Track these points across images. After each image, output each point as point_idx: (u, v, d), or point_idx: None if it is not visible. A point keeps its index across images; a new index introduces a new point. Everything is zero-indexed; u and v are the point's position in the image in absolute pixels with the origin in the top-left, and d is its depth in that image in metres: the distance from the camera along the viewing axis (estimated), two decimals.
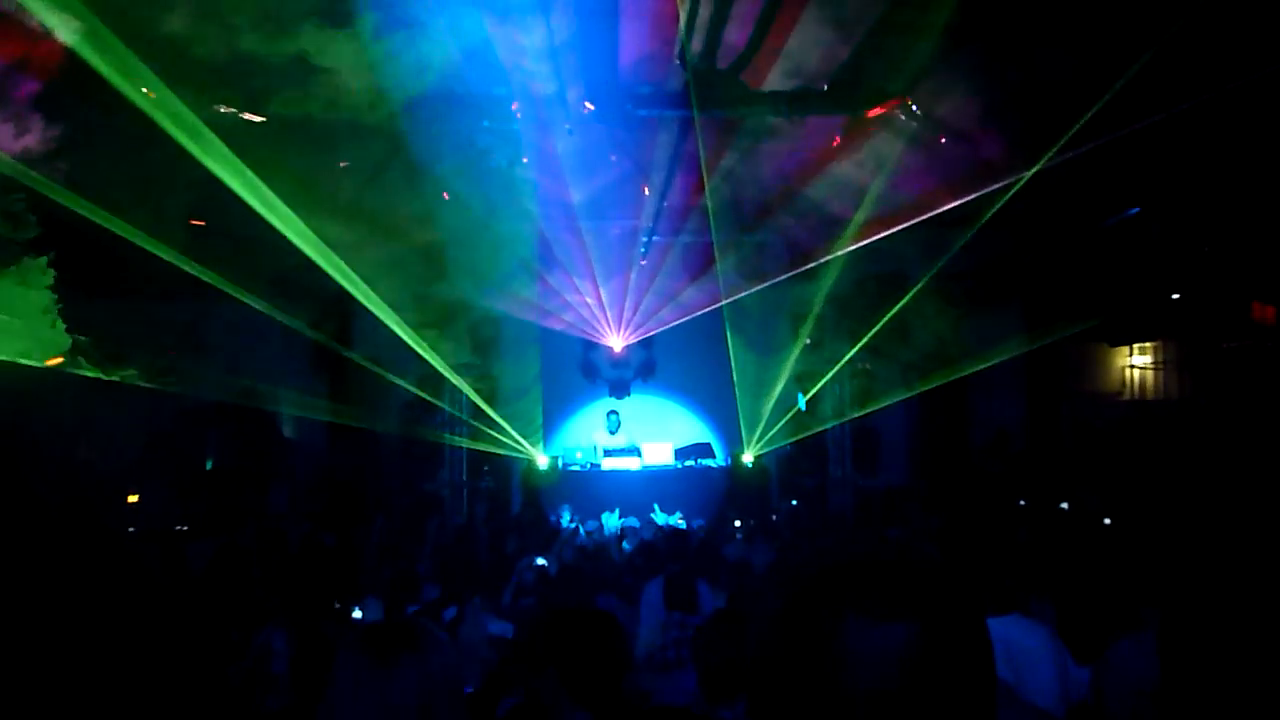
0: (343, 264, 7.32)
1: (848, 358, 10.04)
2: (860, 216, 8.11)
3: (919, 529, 7.02)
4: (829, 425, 10.61)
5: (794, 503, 9.96)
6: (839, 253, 8.82)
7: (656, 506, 8.71)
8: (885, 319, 9.43)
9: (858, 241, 8.38)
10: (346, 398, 9.43)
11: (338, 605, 4.24)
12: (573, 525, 7.54)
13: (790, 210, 8.76)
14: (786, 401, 10.29)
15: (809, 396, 10.29)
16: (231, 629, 3.57)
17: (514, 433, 10.28)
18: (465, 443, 10.44)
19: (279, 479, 9.83)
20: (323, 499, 9.15)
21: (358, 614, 4.30)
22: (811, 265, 9.33)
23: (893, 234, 7.93)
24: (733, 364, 10.22)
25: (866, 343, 9.78)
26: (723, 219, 9.03)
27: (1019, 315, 9.94)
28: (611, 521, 7.89)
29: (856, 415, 10.46)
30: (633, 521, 8.08)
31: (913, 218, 7.70)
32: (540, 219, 8.95)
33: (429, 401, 9.92)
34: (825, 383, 10.33)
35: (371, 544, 6.21)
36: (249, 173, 5.95)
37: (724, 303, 9.95)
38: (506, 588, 4.83)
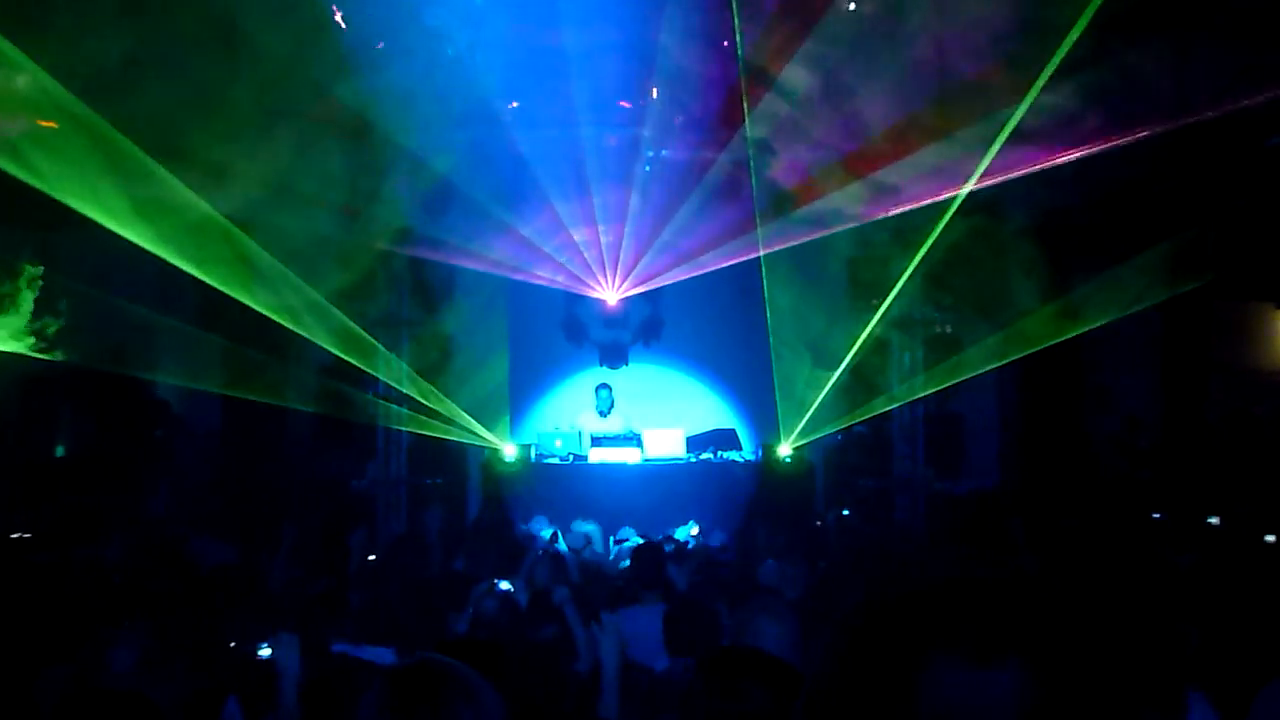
0: (231, 178, 7.22)
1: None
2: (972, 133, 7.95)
3: (1019, 552, 7.03)
4: (895, 407, 10.63)
5: (845, 512, 9.93)
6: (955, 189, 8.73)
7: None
8: (972, 265, 9.45)
9: (969, 171, 8.34)
10: (246, 364, 9.32)
11: (233, 644, 4.29)
12: (549, 540, 7.60)
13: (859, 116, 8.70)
14: (836, 374, 10.37)
15: (853, 363, 10.36)
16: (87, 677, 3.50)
17: (470, 414, 10.39)
18: (407, 426, 10.55)
19: (157, 472, 9.82)
20: (217, 500, 9.24)
21: (265, 652, 4.30)
22: (890, 197, 9.30)
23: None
24: (769, 322, 10.28)
25: (948, 295, 9.91)
26: (765, 124, 8.85)
27: (1155, 264, 9.80)
28: (596, 536, 7.86)
29: (932, 393, 10.48)
30: (628, 538, 8.18)
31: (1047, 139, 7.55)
32: (508, 125, 8.98)
33: (354, 370, 9.94)
34: (887, 350, 10.46)
35: (279, 562, 6.21)
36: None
37: (760, 243, 9.99)
38: (458, 621, 4.92)
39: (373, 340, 10.01)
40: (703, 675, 2.35)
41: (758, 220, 9.89)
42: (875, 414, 10.54)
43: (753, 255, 10.07)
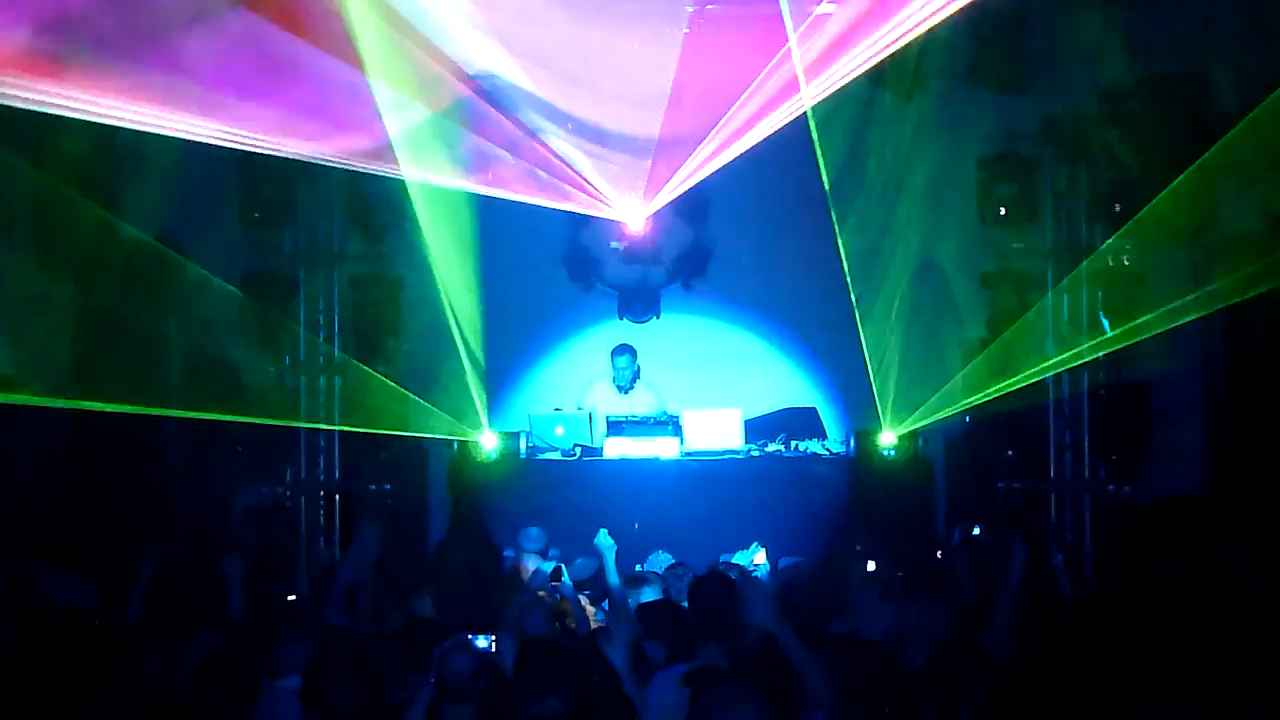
0: None
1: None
2: None
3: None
4: (1050, 376, 10.70)
5: (975, 530, 9.82)
6: None
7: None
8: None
9: None
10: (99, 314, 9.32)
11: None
12: (549, 570, 7.60)
13: None
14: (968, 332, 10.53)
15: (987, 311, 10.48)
16: None
17: (420, 394, 10.48)
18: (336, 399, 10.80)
19: None
20: (64, 515, 9.30)
21: None
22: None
23: None
24: (841, 250, 10.30)
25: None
26: None
27: None
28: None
29: (1106, 355, 10.50)
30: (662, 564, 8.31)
31: None
32: None
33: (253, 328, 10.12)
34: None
35: (133, 602, 6.24)
36: None
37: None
38: (418, 692, 5.03)
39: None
40: None
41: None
42: (1021, 385, 10.48)
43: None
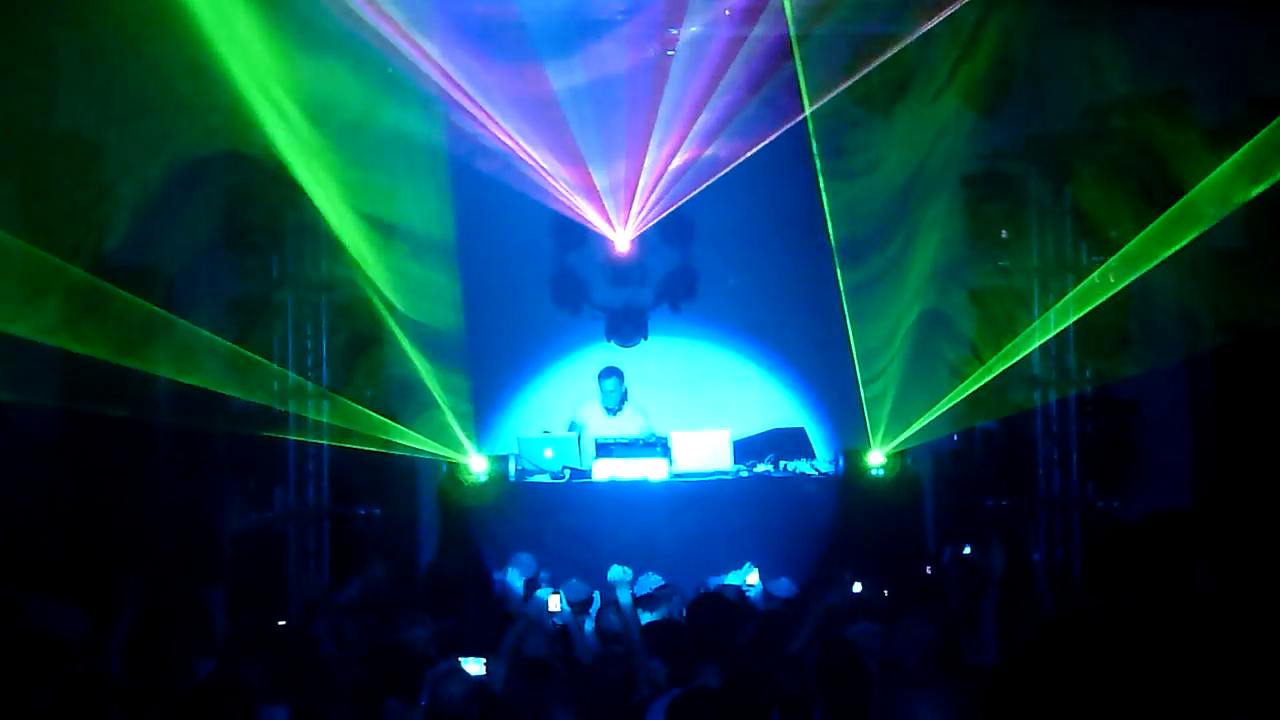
0: None
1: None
2: None
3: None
4: (1037, 393, 10.77)
5: (966, 549, 9.84)
6: None
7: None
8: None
9: None
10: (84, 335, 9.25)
11: None
12: (542, 598, 7.63)
13: None
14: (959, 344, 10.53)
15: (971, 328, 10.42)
16: None
17: (408, 418, 10.44)
18: (325, 418, 10.72)
19: None
20: (51, 541, 9.19)
21: None
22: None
23: None
24: (836, 265, 10.43)
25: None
26: None
27: None
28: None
29: (1093, 372, 10.62)
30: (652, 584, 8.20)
31: None
32: None
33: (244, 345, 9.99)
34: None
35: (118, 636, 6.14)
36: None
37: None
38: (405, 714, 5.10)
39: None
40: None
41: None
42: (1008, 402, 10.62)
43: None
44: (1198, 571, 7.70)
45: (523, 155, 10.76)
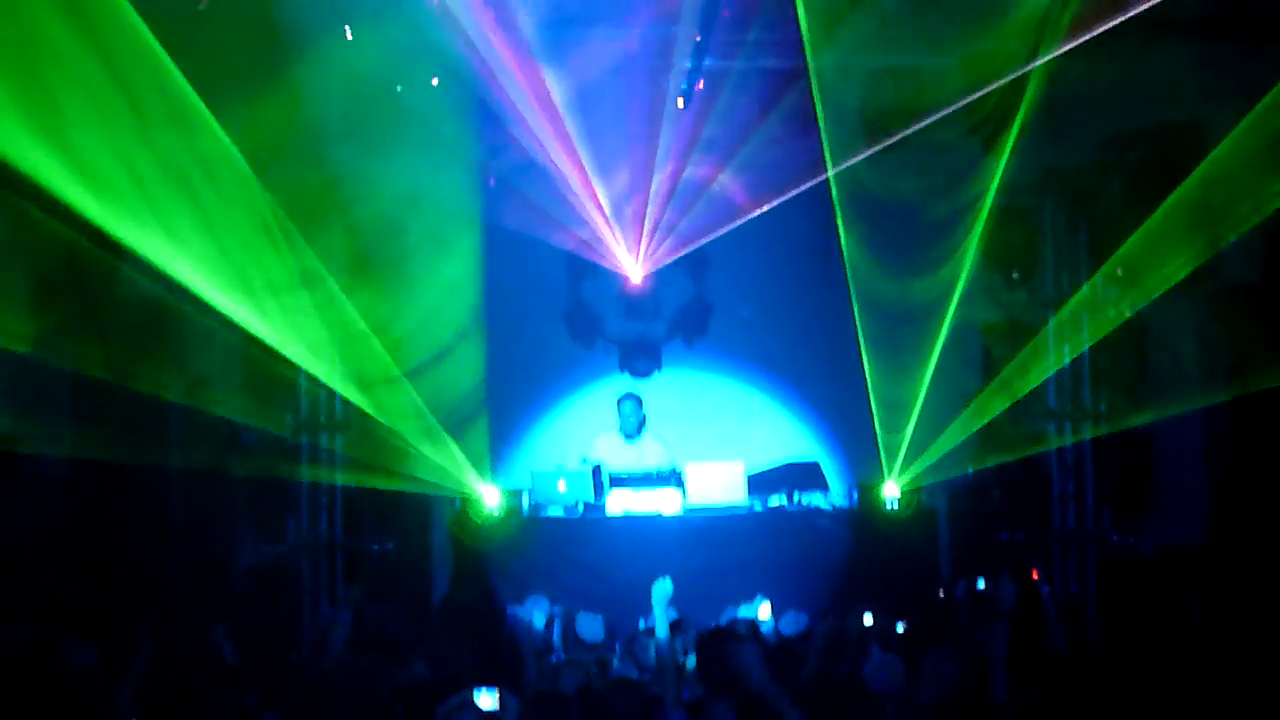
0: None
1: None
2: None
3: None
4: (1052, 426, 10.87)
5: (980, 584, 9.80)
6: None
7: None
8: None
9: None
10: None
11: None
12: (551, 632, 7.82)
13: None
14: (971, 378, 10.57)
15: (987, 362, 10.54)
16: None
17: (423, 451, 10.42)
18: (340, 450, 10.76)
19: None
20: (70, 578, 9.24)
21: None
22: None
23: None
24: (853, 300, 10.47)
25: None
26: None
27: None
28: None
29: (1108, 405, 10.64)
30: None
31: None
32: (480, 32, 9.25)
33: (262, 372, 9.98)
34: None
35: (132, 674, 6.13)
36: None
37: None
38: None
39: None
40: None
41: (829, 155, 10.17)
42: (1026, 440, 10.70)
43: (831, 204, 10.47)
44: (1189, 603, 7.90)
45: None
